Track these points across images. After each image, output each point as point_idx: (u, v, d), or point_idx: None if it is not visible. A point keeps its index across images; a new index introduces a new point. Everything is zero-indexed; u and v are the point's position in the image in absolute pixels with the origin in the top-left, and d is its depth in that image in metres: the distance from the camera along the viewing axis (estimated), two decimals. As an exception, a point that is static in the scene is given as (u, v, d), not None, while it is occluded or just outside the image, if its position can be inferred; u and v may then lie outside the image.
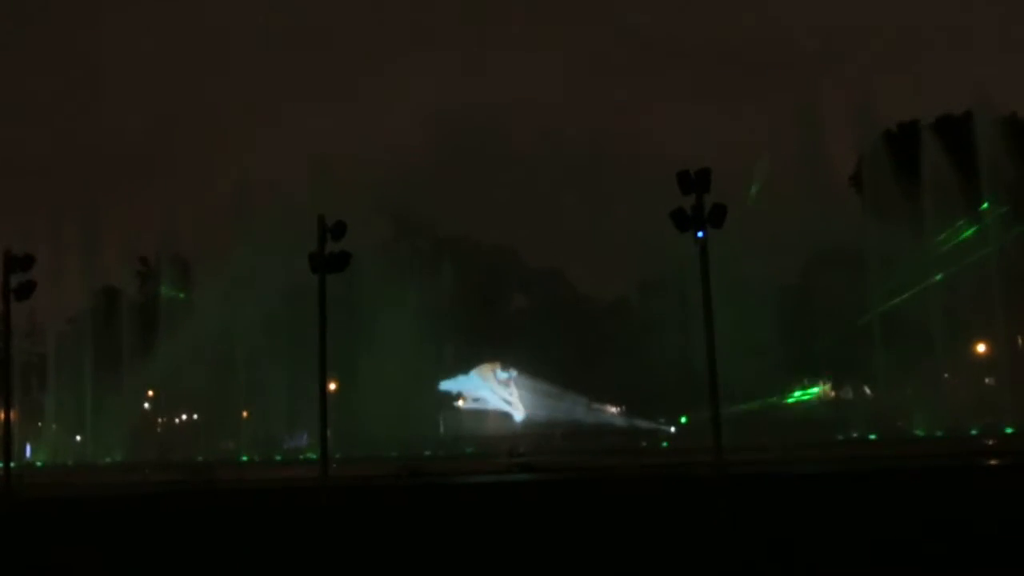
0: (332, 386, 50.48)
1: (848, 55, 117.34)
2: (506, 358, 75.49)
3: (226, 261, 67.95)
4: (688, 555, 17.82)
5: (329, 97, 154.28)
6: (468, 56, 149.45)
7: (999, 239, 56.84)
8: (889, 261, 57.61)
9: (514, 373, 75.20)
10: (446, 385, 74.46)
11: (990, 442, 48.66)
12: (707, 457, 35.21)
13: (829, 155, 63.55)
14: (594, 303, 74.35)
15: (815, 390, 68.40)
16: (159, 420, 76.14)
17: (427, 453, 59.72)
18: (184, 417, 76.45)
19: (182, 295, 70.70)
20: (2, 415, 40.43)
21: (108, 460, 64.83)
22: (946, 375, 58.86)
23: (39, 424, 76.79)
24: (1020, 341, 61.84)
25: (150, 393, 73.13)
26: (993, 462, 41.00)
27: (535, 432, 67.34)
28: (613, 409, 72.87)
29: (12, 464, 41.21)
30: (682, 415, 64.58)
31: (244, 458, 62.48)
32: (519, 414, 75.59)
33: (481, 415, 75.67)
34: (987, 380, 61.01)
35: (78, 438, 72.82)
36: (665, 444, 61.39)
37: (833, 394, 68.63)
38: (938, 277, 56.88)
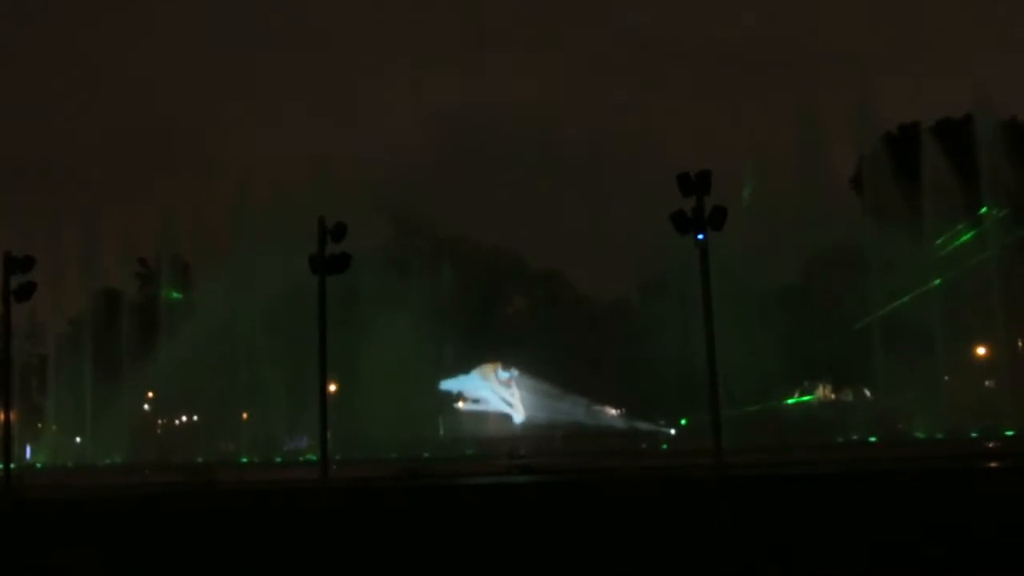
0: (332, 387, 50.48)
1: (848, 55, 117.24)
2: (506, 359, 75.47)
3: (226, 262, 68.00)
4: (688, 557, 17.81)
5: (329, 97, 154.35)
6: (468, 56, 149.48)
7: (999, 242, 56.87)
8: (889, 263, 57.63)
9: (515, 373, 75.14)
10: (447, 385, 74.40)
11: (990, 445, 48.66)
12: (707, 459, 35.19)
13: (829, 156, 63.58)
14: (594, 304, 74.29)
15: (809, 397, 68.44)
16: (159, 421, 76.11)
17: (427, 455, 59.72)
18: (184, 419, 76.43)
19: (179, 296, 70.70)
20: (2, 416, 40.44)
21: (108, 462, 64.78)
22: (946, 378, 58.81)
23: (39, 425, 76.78)
24: (1020, 344, 61.84)
25: (150, 394, 73.10)
26: (993, 465, 41.01)
27: (535, 434, 67.26)
28: (613, 411, 72.83)
29: (12, 465, 41.21)
30: (682, 417, 64.55)
31: (244, 460, 62.44)
32: (519, 415, 75.55)
33: (481, 417, 75.64)
34: (987, 383, 61.01)
35: (78, 439, 72.81)
36: (665, 446, 61.32)
37: (833, 396, 68.61)
38: (937, 281, 56.90)
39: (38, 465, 69.17)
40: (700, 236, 36.59)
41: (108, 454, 66.55)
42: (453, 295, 67.27)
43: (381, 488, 41.37)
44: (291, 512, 30.81)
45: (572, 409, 70.79)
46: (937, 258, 57.96)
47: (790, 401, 66.34)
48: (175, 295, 70.62)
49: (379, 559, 19.18)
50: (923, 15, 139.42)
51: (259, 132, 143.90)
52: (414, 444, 60.67)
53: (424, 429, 66.53)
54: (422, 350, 64.23)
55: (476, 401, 76.60)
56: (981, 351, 61.25)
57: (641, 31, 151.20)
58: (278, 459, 62.71)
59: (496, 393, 76.37)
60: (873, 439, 53.01)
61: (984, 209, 57.66)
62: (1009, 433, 50.31)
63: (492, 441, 64.30)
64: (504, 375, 75.93)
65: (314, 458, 45.91)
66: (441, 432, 71.18)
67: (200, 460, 59.44)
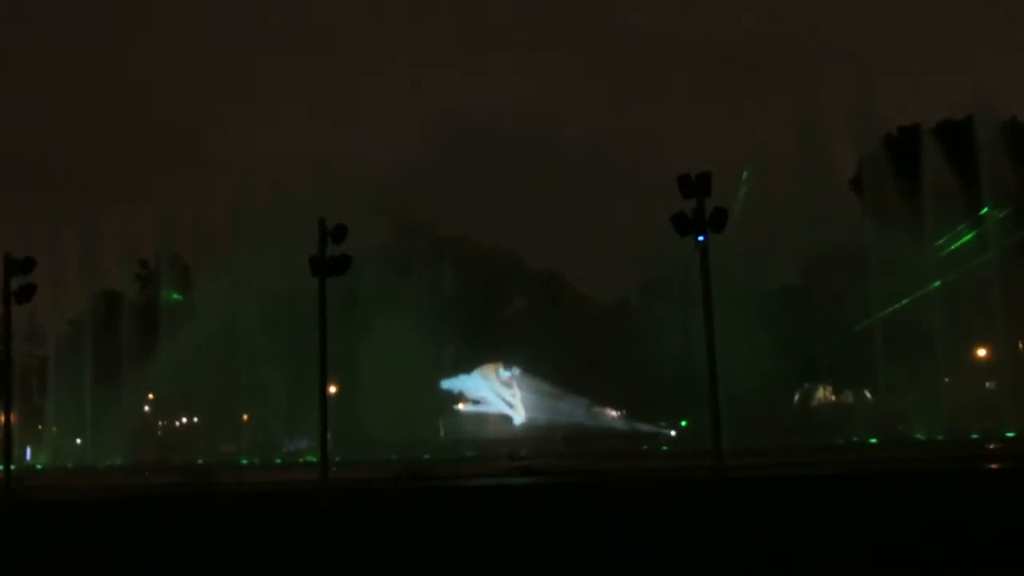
0: (332, 389, 50.43)
1: (848, 55, 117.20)
2: (506, 359, 75.41)
3: (226, 262, 67.95)
4: (688, 559, 17.81)
5: (329, 97, 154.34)
6: (468, 56, 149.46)
7: (999, 243, 56.85)
8: (890, 265, 57.60)
9: (517, 372, 75.00)
10: (448, 384, 74.32)
11: (991, 446, 48.64)
12: (707, 461, 35.18)
13: (830, 156, 63.50)
14: (594, 304, 74.18)
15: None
16: (159, 423, 76.05)
17: (427, 456, 59.67)
18: (184, 420, 76.38)
19: (179, 296, 70.65)
20: (2, 418, 40.43)
21: (108, 463, 64.72)
22: (947, 379, 58.78)
23: (39, 427, 76.72)
24: (1021, 345, 61.81)
25: (150, 396, 73.05)
26: (994, 466, 40.98)
27: (535, 435, 67.21)
28: (613, 412, 72.76)
29: (12, 467, 41.19)
30: (683, 418, 64.50)
31: (244, 461, 62.36)
32: (520, 416, 75.49)
33: (481, 418, 75.57)
34: (988, 384, 60.99)
35: (78, 441, 72.77)
36: (665, 448, 61.29)
37: (834, 398, 68.55)
38: (936, 284, 56.89)
39: (38, 466, 69.11)
40: (701, 237, 36.58)
41: (108, 455, 66.45)
42: (453, 295, 67.21)
43: (381, 490, 41.32)
44: (291, 513, 30.76)
45: (572, 410, 70.73)
46: (937, 259, 57.95)
47: (791, 402, 66.44)
48: (175, 296, 70.58)
49: (379, 561, 19.15)
50: (923, 15, 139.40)
51: (259, 132, 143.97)
52: (414, 446, 60.62)
53: (424, 431, 66.48)
54: (422, 351, 64.17)
55: (476, 402, 76.52)
56: (982, 353, 61.24)
57: (641, 31, 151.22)
58: (278, 460, 62.65)
59: (497, 393, 76.29)
60: (874, 441, 52.96)
61: (985, 210, 57.64)
62: (1010, 435, 50.29)
63: (492, 443, 64.23)
64: (506, 374, 75.84)
65: (314, 459, 45.87)
66: (441, 434, 71.13)
67: (200, 461, 59.40)
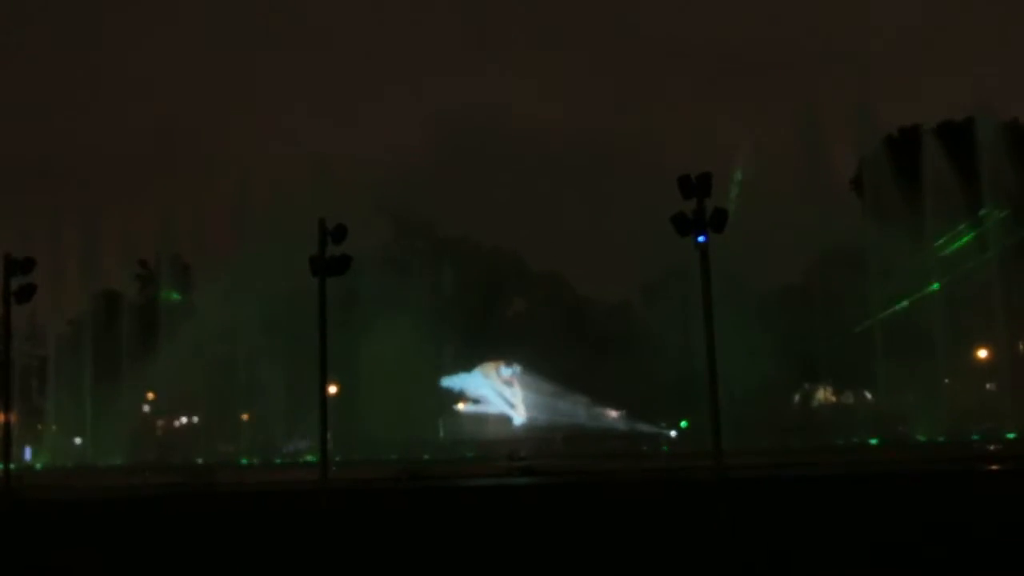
0: (332, 389, 50.38)
1: (848, 55, 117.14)
2: (507, 360, 75.31)
3: (226, 262, 67.91)
4: (689, 559, 17.78)
5: (329, 97, 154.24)
6: (468, 56, 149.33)
7: (999, 244, 56.82)
8: (890, 266, 57.56)
9: (518, 369, 74.83)
10: (448, 382, 74.19)
11: (991, 447, 48.63)
12: (708, 461, 35.14)
13: (830, 156, 63.49)
14: (595, 305, 74.06)
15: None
16: (159, 423, 75.98)
17: (427, 456, 59.60)
18: (184, 420, 76.31)
19: (177, 296, 70.58)
20: (2, 417, 40.38)
21: (108, 463, 64.65)
22: (947, 380, 58.74)
23: (39, 427, 76.65)
24: (1021, 346, 61.79)
25: (150, 396, 73.00)
26: (994, 467, 40.97)
27: (535, 436, 67.14)
28: (614, 413, 72.66)
29: (12, 466, 41.17)
30: (683, 419, 64.44)
31: (244, 461, 62.31)
32: (520, 416, 75.42)
33: (481, 418, 75.47)
34: (988, 385, 60.93)
35: (78, 440, 72.69)
36: (665, 448, 61.21)
37: (834, 398, 68.50)
38: (935, 286, 56.86)
39: (38, 466, 69.05)
40: (701, 238, 36.51)
41: (108, 455, 66.37)
42: (453, 296, 67.10)
43: (381, 490, 41.28)
44: (291, 513, 30.72)
45: (572, 411, 70.62)
46: (937, 260, 57.92)
47: (791, 403, 66.37)
48: (174, 296, 70.51)
49: (379, 561, 19.10)
50: (923, 15, 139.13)
51: (259, 132, 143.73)
52: (414, 446, 60.55)
53: (424, 431, 66.39)
54: (422, 351, 64.09)
55: (477, 402, 76.43)
56: (982, 353, 61.19)
57: (641, 31, 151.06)
58: (278, 460, 62.59)
59: (497, 392, 76.17)
60: (874, 441, 52.93)
61: (984, 211, 57.62)
62: (1010, 436, 50.26)
63: (492, 443, 64.16)
64: (507, 371, 75.67)
65: (314, 460, 45.83)
66: (441, 434, 71.05)
67: (200, 461, 59.33)
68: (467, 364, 74.80)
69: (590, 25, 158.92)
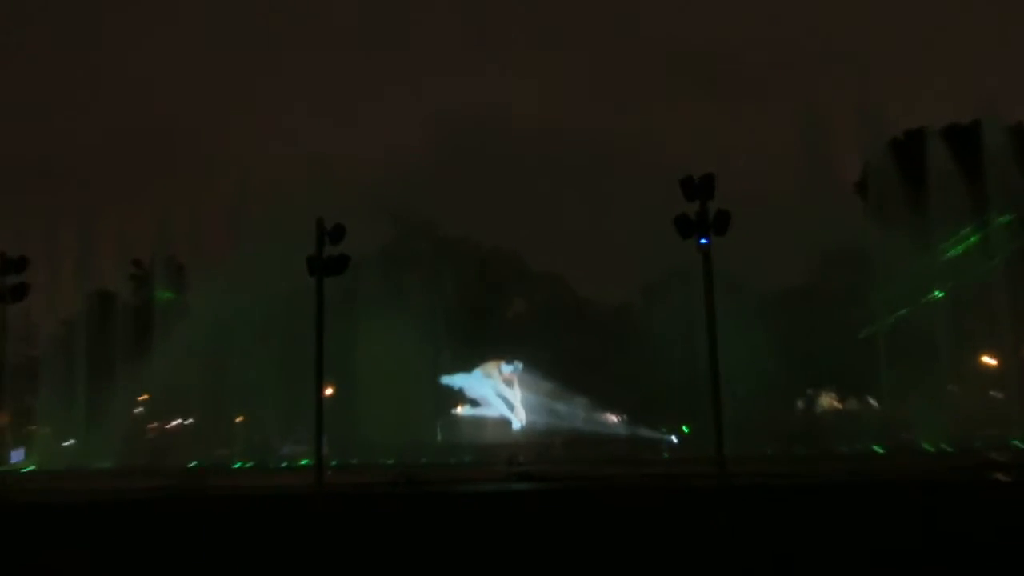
0: (329, 391, 49.77)
1: (849, 55, 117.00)
2: (507, 359, 74.76)
3: (222, 263, 67.38)
4: (689, 567, 17.49)
5: (329, 97, 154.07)
6: (468, 56, 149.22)
7: (1005, 249, 56.33)
8: (894, 270, 57.07)
9: (519, 366, 74.20)
10: (447, 381, 73.58)
11: (996, 455, 47.98)
12: (710, 468, 34.61)
13: (833, 157, 63.09)
14: (596, 307, 73.51)
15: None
16: (152, 425, 75.24)
17: (424, 461, 58.89)
18: (177, 422, 75.56)
19: (170, 295, 69.97)
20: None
21: (99, 466, 63.91)
22: (952, 387, 58.18)
23: (31, 428, 75.90)
24: (1027, 353, 61.26)
25: (143, 398, 72.31)
26: (999, 475, 40.37)
27: (534, 440, 66.58)
28: (614, 417, 72.10)
29: (2, 468, 40.56)
30: (684, 424, 63.83)
31: (238, 464, 61.58)
32: (519, 419, 74.84)
33: (480, 423, 74.88)
34: (993, 392, 60.34)
35: (70, 442, 71.90)
36: (666, 455, 60.58)
37: (838, 405, 67.94)
38: (939, 293, 56.34)
39: (27, 468, 68.26)
40: (704, 240, 35.94)
41: (100, 458, 65.63)
42: (453, 296, 66.55)
43: (378, 494, 40.58)
44: (286, 518, 30.14)
45: (572, 414, 70.08)
46: (942, 265, 57.43)
47: (794, 409, 65.80)
48: (167, 294, 69.87)
49: (376, 566, 18.65)
50: (923, 15, 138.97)
51: (259, 132, 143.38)
52: (412, 450, 59.83)
53: (422, 435, 65.77)
54: (421, 352, 63.56)
55: (475, 403, 75.85)
56: (987, 360, 60.65)
57: (641, 31, 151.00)
58: (273, 464, 61.88)
59: (497, 392, 75.55)
60: (878, 448, 52.34)
61: (990, 215, 57.17)
62: (1016, 443, 49.68)
63: (491, 447, 63.53)
64: (508, 368, 75.06)
65: (309, 463, 45.20)
66: (439, 438, 70.44)
67: (193, 464, 58.60)
68: (467, 365, 74.24)
69: (590, 25, 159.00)
